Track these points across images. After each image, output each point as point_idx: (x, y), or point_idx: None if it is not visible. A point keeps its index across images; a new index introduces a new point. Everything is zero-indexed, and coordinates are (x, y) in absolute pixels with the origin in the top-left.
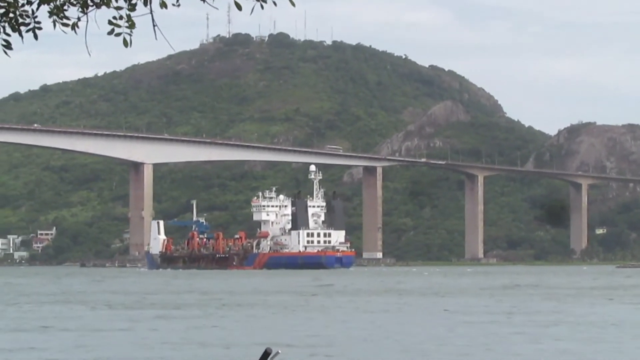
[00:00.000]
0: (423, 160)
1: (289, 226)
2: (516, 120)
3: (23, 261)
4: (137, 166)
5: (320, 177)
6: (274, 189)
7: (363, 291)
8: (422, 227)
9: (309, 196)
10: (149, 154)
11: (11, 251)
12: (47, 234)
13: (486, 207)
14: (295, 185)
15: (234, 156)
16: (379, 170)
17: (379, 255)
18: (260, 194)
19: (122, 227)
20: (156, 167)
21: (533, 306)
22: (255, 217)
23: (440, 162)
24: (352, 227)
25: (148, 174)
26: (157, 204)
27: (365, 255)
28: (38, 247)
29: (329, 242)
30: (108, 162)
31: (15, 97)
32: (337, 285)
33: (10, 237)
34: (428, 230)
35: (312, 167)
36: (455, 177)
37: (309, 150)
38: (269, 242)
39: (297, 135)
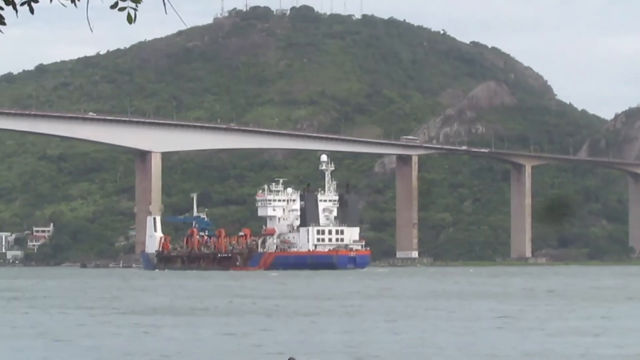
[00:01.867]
0: (464, 148)
1: (298, 222)
2: (568, 103)
3: (17, 261)
4: (144, 155)
5: (333, 168)
6: (280, 180)
7: (436, 295)
8: (463, 223)
9: (320, 189)
10: (157, 141)
11: (4, 250)
12: (43, 231)
13: (534, 201)
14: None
15: (252, 144)
16: (415, 159)
17: (415, 254)
18: (265, 186)
19: (127, 223)
20: (165, 156)
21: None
22: (261, 213)
23: (482, 150)
24: (384, 224)
25: (156, 164)
26: (166, 198)
27: (399, 254)
28: (34, 245)
29: (342, 240)
30: (111, 151)
31: (8, 79)
32: (397, 288)
33: (3, 234)
34: (469, 226)
35: (323, 157)
36: (500, 167)
37: (336, 137)
38: (275, 241)
39: (322, 121)
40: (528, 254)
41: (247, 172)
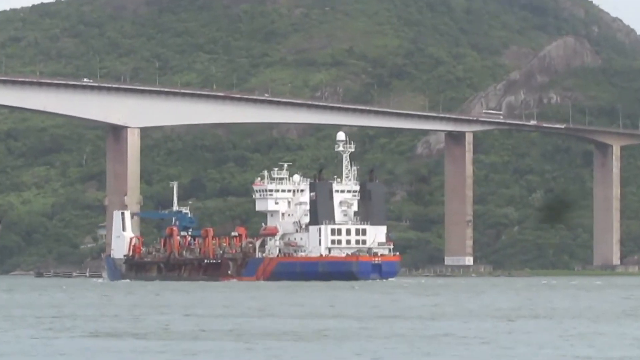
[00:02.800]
0: (533, 123)
1: (307, 219)
2: None
3: None
4: (117, 131)
5: (352, 150)
6: (285, 165)
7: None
8: (532, 220)
9: (336, 177)
10: (135, 113)
11: None
12: None
13: (624, 192)
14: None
15: (258, 117)
16: (469, 138)
17: (469, 260)
18: (265, 173)
19: (95, 219)
20: (145, 132)
21: None
22: (259, 207)
23: (557, 125)
24: (429, 221)
25: (133, 143)
26: (147, 187)
27: (448, 260)
28: None
29: (364, 242)
30: (76, 126)
31: None
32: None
33: None
34: (540, 225)
35: (340, 135)
36: (580, 148)
37: (367, 108)
38: (277, 243)
39: (349, 87)
40: (616, 260)
41: (251, 153)
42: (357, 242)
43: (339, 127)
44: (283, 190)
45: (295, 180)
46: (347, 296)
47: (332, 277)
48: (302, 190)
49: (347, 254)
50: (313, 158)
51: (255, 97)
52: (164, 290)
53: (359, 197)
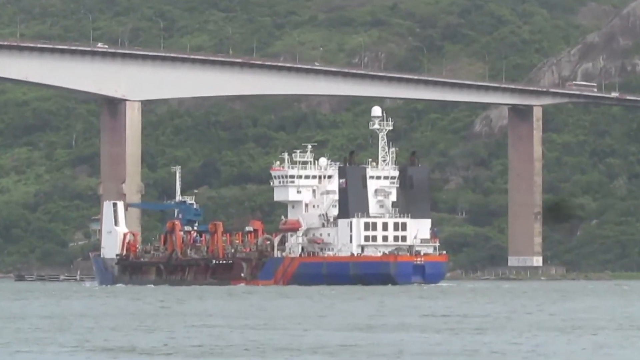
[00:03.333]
0: (614, 95)
1: (335, 212)
2: None
3: None
4: (114, 105)
5: (390, 128)
6: (309, 146)
7: None
8: (614, 211)
9: (370, 160)
10: (135, 84)
11: None
12: None
13: None
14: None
15: (284, 88)
16: (537, 113)
17: (537, 260)
18: (285, 156)
19: (87, 211)
20: (147, 106)
21: None
22: (278, 197)
23: None
24: (489, 213)
25: (133, 120)
26: (149, 172)
27: (512, 260)
28: None
29: (403, 238)
30: (64, 99)
31: None
32: None
33: None
34: (623, 218)
35: (376, 110)
36: None
37: (414, 77)
38: (300, 240)
39: (392, 52)
40: None
41: (275, 132)
42: (396, 238)
43: (380, 100)
44: (307, 177)
45: (322, 165)
46: (395, 302)
47: (366, 280)
48: (329, 177)
49: (384, 253)
50: (350, 137)
51: (280, 64)
52: (167, 296)
53: (398, 185)
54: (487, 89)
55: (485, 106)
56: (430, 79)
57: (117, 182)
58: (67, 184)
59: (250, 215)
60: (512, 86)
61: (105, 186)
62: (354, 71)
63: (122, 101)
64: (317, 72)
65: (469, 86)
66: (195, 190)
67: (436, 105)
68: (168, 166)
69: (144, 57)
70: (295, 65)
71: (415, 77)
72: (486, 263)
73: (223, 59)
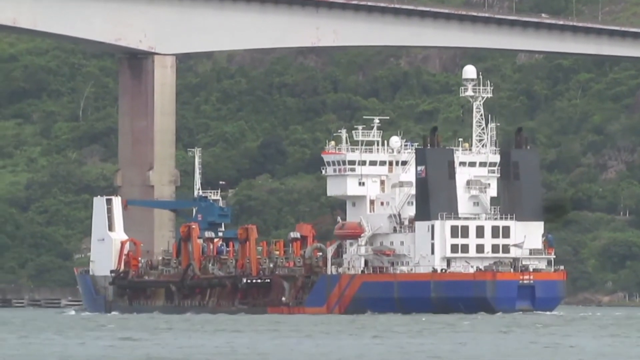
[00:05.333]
0: None
1: (412, 212)
2: None
3: None
4: (137, 61)
5: (489, 95)
6: (376, 121)
7: None
8: None
9: (461, 141)
10: (167, 30)
11: None
12: None
13: None
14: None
15: (376, 37)
16: None
17: None
18: (343, 134)
19: None
20: (184, 62)
21: None
22: (332, 191)
23: None
24: None
25: (165, 81)
26: (187, 155)
27: None
28: None
29: (506, 249)
30: (67, 53)
31: None
32: None
33: None
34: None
35: (469, 71)
36: None
37: (558, 22)
38: (362, 250)
39: None
40: None
41: (364, 99)
42: (495, 249)
43: (511, 55)
44: (372, 163)
45: (394, 146)
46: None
47: (452, 307)
48: (404, 163)
49: (478, 269)
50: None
51: (370, 4)
52: (182, 331)
53: (499, 176)
54: None
55: None
56: (581, 24)
57: (141, 168)
58: (71, 171)
59: (331, 214)
60: None
61: (124, 174)
62: (474, 14)
63: (148, 55)
64: (423, 14)
65: (635, 35)
66: (222, 182)
67: (589, 62)
68: (213, 146)
69: None
70: (391, 5)
71: (561, 23)
72: None
73: None
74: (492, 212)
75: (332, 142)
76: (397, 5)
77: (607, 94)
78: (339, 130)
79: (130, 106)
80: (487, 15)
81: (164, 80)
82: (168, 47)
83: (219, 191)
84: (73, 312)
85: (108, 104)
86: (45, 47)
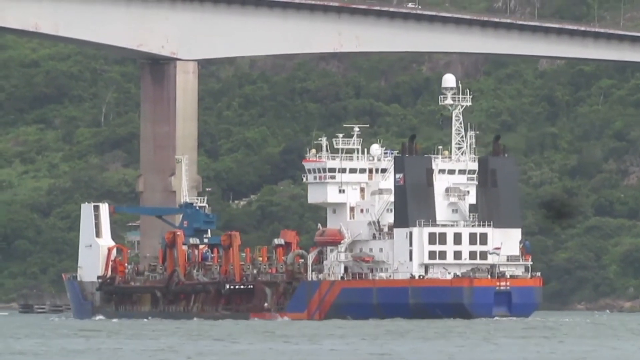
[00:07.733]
0: None
1: (391, 219)
2: None
3: None
4: (159, 67)
5: (468, 104)
6: (355, 129)
7: None
8: None
9: (440, 149)
10: (189, 36)
11: None
12: None
13: None
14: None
15: (398, 43)
16: None
17: None
18: (323, 141)
19: (122, 216)
20: (206, 68)
21: None
22: (313, 198)
23: None
24: None
25: (187, 87)
26: (210, 161)
27: None
28: None
29: (484, 254)
30: (89, 58)
31: None
32: None
33: None
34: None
35: (448, 80)
36: None
37: (579, 28)
38: (342, 256)
39: None
40: None
41: (386, 105)
42: (473, 255)
43: (533, 61)
44: (352, 170)
45: (374, 154)
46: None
47: (430, 312)
48: (384, 170)
49: (456, 275)
50: (491, 113)
51: (393, 9)
52: (168, 336)
53: (477, 183)
54: None
55: None
56: (602, 30)
57: (163, 174)
58: (92, 177)
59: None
60: None
61: (146, 180)
62: (496, 20)
63: (170, 61)
64: (444, 20)
65: None
66: (209, 189)
67: (611, 68)
68: (235, 152)
69: (201, 1)
70: (414, 11)
71: (582, 29)
72: None
73: (313, 2)
74: (471, 219)
75: (313, 150)
76: (419, 11)
77: (629, 100)
78: (318, 141)
79: (152, 112)
80: (509, 21)
81: (185, 85)
82: (190, 52)
83: (205, 199)
84: (57, 318)
85: (130, 110)
86: (67, 52)
